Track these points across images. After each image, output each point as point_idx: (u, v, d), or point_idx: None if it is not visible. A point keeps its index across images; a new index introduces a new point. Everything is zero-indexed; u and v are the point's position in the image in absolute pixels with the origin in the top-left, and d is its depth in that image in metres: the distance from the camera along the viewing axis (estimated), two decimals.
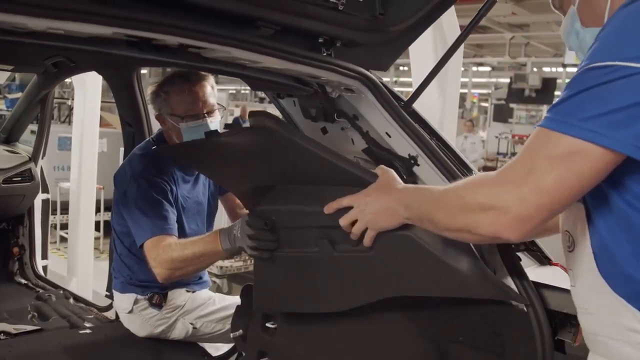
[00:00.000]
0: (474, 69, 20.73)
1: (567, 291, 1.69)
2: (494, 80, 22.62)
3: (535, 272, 1.81)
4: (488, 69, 21.85)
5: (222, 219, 3.73)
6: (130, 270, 2.81)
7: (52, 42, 1.60)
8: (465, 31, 2.04)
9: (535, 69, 18.27)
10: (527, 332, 1.67)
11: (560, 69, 18.03)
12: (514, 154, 16.35)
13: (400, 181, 1.63)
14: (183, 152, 2.37)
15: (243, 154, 1.99)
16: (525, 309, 1.67)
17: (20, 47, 2.33)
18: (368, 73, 2.00)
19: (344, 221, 1.68)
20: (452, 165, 1.99)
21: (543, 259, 1.92)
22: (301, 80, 2.13)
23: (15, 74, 10.11)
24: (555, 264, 1.90)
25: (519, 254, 1.87)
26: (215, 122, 2.62)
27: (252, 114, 1.81)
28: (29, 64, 3.30)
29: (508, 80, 18.20)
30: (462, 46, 2.58)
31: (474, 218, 1.31)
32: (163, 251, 2.40)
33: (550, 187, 1.20)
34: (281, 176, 1.99)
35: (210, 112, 2.61)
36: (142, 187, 2.57)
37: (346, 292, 1.89)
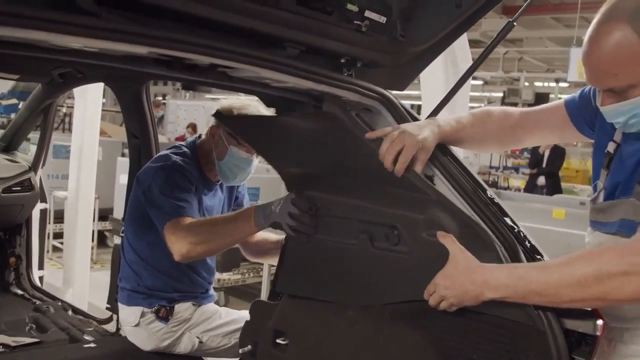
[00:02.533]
0: (473, 82, 20.84)
1: (582, 310, 1.73)
2: (487, 94, 22.75)
3: None
4: (481, 82, 21.98)
5: None
6: (138, 277, 2.81)
7: (79, 59, 1.61)
8: (482, 56, 2.06)
9: (527, 84, 18.42)
10: (545, 354, 1.68)
11: (553, 84, 18.21)
12: (506, 167, 16.47)
13: (475, 259, 1.70)
14: (243, 124, 2.44)
15: (302, 136, 2.10)
16: (543, 329, 1.68)
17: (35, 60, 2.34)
18: (387, 93, 2.02)
19: (432, 302, 1.74)
20: (466, 183, 2.00)
21: None
22: (317, 97, 2.15)
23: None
24: None
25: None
26: (255, 164, 2.75)
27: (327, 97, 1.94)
28: (36, 74, 3.28)
29: (501, 95, 18.32)
30: None
31: (614, 285, 1.42)
32: (187, 227, 2.42)
33: None
34: (334, 166, 2.08)
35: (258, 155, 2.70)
36: (169, 176, 2.60)
37: (376, 288, 1.97)
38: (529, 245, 1.97)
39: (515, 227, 1.98)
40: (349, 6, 1.76)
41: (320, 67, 1.85)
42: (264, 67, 1.63)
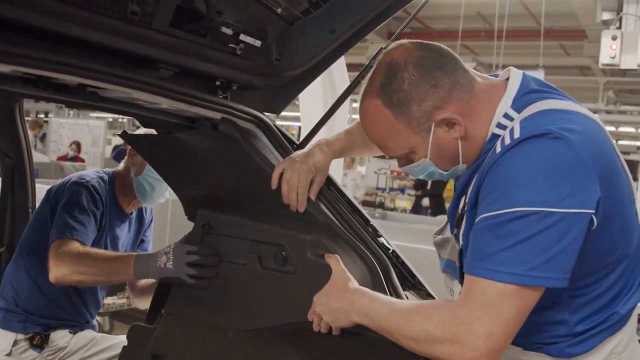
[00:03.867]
0: (355, 105, 21.26)
1: None
2: None
3: None
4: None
5: None
6: (18, 296, 2.68)
7: None
8: (353, 84, 2.10)
9: None
10: None
11: None
12: (392, 189, 16.87)
13: (354, 280, 1.74)
14: (142, 143, 2.43)
15: (199, 155, 2.12)
16: None
17: None
18: (262, 116, 2.05)
19: (313, 318, 1.78)
20: (341, 206, 2.05)
21: (427, 297, 2.02)
22: (195, 120, 2.15)
23: None
24: None
25: (406, 292, 1.96)
26: None
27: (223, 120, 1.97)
28: None
29: None
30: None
31: (444, 351, 1.42)
32: (69, 250, 2.37)
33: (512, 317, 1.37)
34: (229, 186, 2.12)
35: None
36: (75, 194, 2.57)
37: (261, 310, 1.99)
38: (400, 263, 2.06)
39: (390, 247, 2.06)
40: (224, 29, 1.77)
41: (195, 89, 1.85)
42: (134, 88, 1.62)
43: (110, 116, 24.17)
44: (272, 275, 1.97)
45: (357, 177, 14.79)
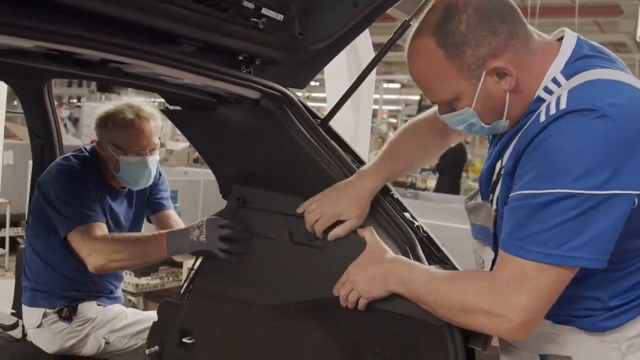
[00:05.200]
0: (385, 85, 21.16)
1: None
2: (404, 97, 23.14)
3: None
4: (398, 86, 22.34)
5: None
6: (38, 276, 2.75)
7: None
8: (380, 53, 2.11)
9: None
10: (442, 346, 1.75)
11: None
12: (424, 169, 16.73)
13: (390, 251, 1.75)
14: (182, 119, 2.41)
15: (237, 132, 2.15)
16: (439, 324, 1.74)
17: None
18: (286, 90, 2.05)
19: (341, 292, 1.78)
20: None
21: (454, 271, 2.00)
22: (219, 96, 2.15)
23: None
24: None
25: (432, 266, 1.95)
26: (154, 161, 2.70)
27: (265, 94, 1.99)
28: None
29: (418, 97, 18.64)
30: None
31: (479, 322, 1.47)
32: (100, 241, 2.42)
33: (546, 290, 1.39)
34: (266, 161, 2.15)
35: (152, 150, 2.68)
36: (66, 181, 2.58)
37: (292, 285, 2.01)
38: (426, 237, 2.05)
39: (415, 221, 2.06)
40: (245, 3, 1.76)
41: (218, 64, 1.85)
42: (156, 62, 1.63)
43: (142, 100, 24.44)
44: (302, 250, 1.99)
45: None
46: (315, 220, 1.89)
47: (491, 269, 1.62)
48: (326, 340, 1.94)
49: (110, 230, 2.69)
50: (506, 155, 1.55)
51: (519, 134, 1.49)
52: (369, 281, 1.70)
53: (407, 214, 2.05)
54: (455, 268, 2.03)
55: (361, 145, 3.38)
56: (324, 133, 2.06)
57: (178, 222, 2.97)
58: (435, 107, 2.02)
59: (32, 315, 2.78)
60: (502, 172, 1.55)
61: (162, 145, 2.79)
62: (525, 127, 1.46)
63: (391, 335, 1.83)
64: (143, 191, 2.94)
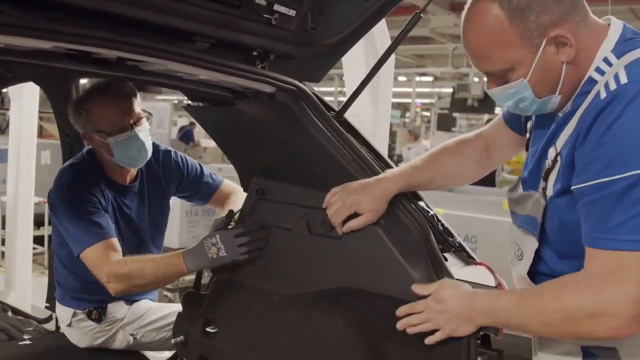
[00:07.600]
0: (417, 79, 21.05)
1: (491, 288, 1.83)
2: (437, 90, 22.99)
3: (460, 272, 1.92)
4: (431, 79, 22.20)
5: None
6: (66, 282, 2.80)
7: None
8: (393, 44, 2.13)
9: (477, 79, 18.74)
10: None
11: None
12: None
13: (466, 285, 1.71)
14: (203, 114, 2.47)
15: (255, 126, 2.20)
16: None
17: None
18: (300, 84, 2.08)
19: (410, 319, 1.73)
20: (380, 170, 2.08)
21: (468, 259, 2.03)
22: (236, 91, 2.20)
23: None
24: (480, 264, 2.01)
25: (446, 254, 1.97)
26: (144, 131, 2.57)
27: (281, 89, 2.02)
28: None
29: (451, 90, 18.54)
30: (393, 56, 2.69)
31: (585, 328, 1.40)
32: (117, 266, 2.38)
33: None
34: (283, 153, 2.21)
35: (137, 122, 2.54)
36: (65, 199, 2.53)
37: (310, 275, 2.07)
38: (441, 227, 2.07)
39: (430, 211, 2.08)
40: (257, 0, 1.81)
41: (233, 60, 1.89)
42: (171, 60, 1.68)
43: (175, 98, 24.68)
44: (319, 240, 2.04)
45: (421, 152, 14.66)
46: (335, 211, 1.93)
47: (533, 259, 1.63)
48: (344, 328, 1.98)
49: (121, 231, 2.67)
50: (560, 141, 1.53)
51: (575, 117, 1.48)
52: (455, 321, 1.63)
53: (421, 203, 2.08)
54: (470, 256, 2.05)
55: (380, 137, 3.38)
56: (339, 125, 2.09)
57: (234, 189, 2.91)
58: (481, 130, 2.03)
59: (63, 312, 2.83)
60: (557, 159, 1.53)
61: (148, 114, 2.64)
62: (584, 108, 1.45)
63: None
64: (160, 189, 2.86)
